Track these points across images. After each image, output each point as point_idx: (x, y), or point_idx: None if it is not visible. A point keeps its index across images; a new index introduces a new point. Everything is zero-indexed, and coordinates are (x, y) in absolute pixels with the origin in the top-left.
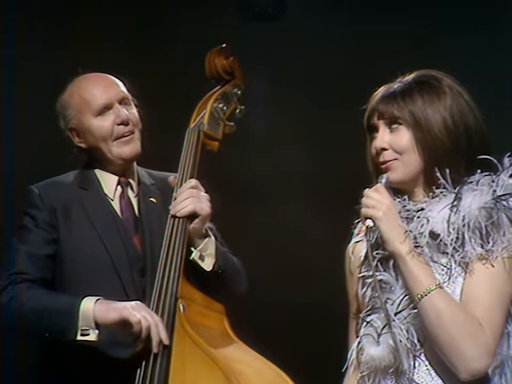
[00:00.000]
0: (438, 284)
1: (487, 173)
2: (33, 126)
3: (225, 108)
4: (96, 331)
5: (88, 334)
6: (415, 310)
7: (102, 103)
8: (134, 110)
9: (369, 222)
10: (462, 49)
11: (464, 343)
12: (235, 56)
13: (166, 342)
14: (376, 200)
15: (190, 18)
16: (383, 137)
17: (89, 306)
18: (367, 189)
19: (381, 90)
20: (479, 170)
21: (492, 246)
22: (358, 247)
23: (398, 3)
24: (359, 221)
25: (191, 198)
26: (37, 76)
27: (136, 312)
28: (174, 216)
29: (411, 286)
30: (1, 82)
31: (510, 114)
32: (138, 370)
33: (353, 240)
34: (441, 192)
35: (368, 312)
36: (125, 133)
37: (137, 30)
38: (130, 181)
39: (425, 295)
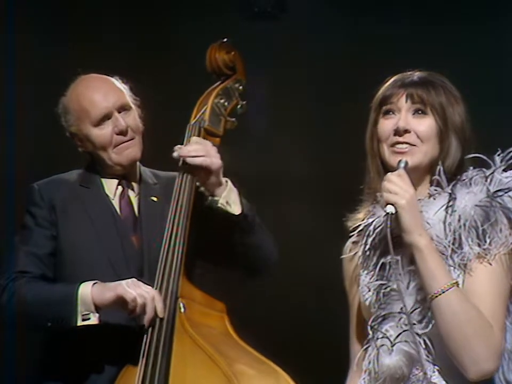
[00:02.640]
0: (455, 282)
1: (479, 169)
2: (34, 126)
3: (226, 103)
4: (97, 314)
5: (89, 318)
6: (425, 317)
7: (101, 113)
8: (135, 114)
9: (390, 209)
10: (462, 48)
11: (477, 344)
12: (236, 50)
13: (160, 315)
14: (399, 186)
15: (190, 18)
16: (407, 119)
17: (87, 290)
18: (389, 173)
19: (399, 78)
20: (471, 168)
21: (489, 245)
22: (353, 247)
23: (397, 2)
24: (353, 217)
25: (201, 149)
26: (38, 75)
27: (131, 289)
28: (175, 213)
29: (427, 281)
30: (2, 82)
31: (509, 114)
32: (139, 369)
33: (350, 240)
34: (436, 191)
35: (379, 320)
36: (124, 141)
37: (137, 30)
38: (132, 180)
39: (442, 292)
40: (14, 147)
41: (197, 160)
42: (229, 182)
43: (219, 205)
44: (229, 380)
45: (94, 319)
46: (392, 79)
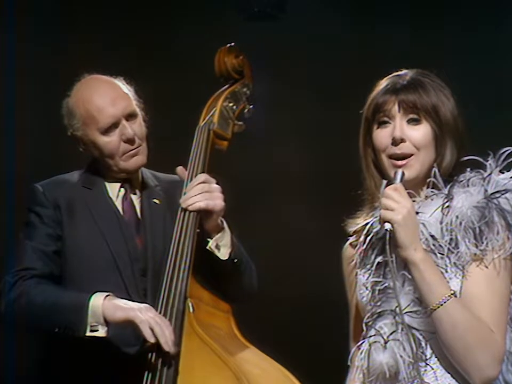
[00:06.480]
0: (453, 293)
1: (477, 171)
2: (34, 126)
3: (234, 107)
4: (105, 328)
5: (97, 330)
6: (420, 316)
7: (109, 121)
8: (140, 120)
9: (388, 225)
10: (462, 47)
11: (479, 352)
12: (244, 55)
13: (171, 349)
14: (396, 201)
15: (190, 18)
16: (403, 128)
17: (99, 302)
18: (386, 188)
19: (389, 82)
20: (468, 169)
21: (486, 246)
22: (350, 249)
23: (397, 2)
24: (349, 219)
25: (203, 194)
26: (38, 75)
27: (142, 315)
28: (184, 212)
29: (425, 294)
30: (2, 82)
31: (509, 112)
32: (147, 369)
33: (348, 241)
34: (432, 192)
35: (374, 317)
36: (131, 149)
37: (137, 30)
38: (134, 183)
39: (441, 305)
40: (14, 147)
41: (200, 205)
42: (224, 223)
43: (208, 247)
44: (238, 378)
45: (102, 332)
46: (383, 85)
